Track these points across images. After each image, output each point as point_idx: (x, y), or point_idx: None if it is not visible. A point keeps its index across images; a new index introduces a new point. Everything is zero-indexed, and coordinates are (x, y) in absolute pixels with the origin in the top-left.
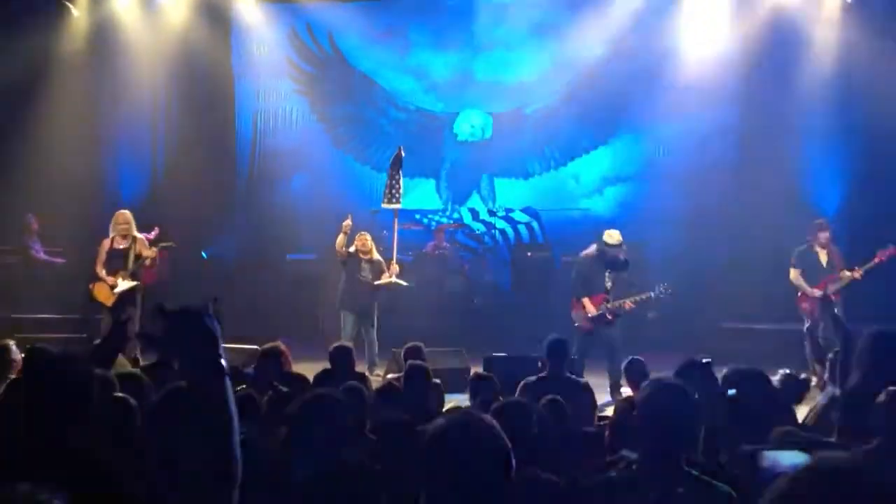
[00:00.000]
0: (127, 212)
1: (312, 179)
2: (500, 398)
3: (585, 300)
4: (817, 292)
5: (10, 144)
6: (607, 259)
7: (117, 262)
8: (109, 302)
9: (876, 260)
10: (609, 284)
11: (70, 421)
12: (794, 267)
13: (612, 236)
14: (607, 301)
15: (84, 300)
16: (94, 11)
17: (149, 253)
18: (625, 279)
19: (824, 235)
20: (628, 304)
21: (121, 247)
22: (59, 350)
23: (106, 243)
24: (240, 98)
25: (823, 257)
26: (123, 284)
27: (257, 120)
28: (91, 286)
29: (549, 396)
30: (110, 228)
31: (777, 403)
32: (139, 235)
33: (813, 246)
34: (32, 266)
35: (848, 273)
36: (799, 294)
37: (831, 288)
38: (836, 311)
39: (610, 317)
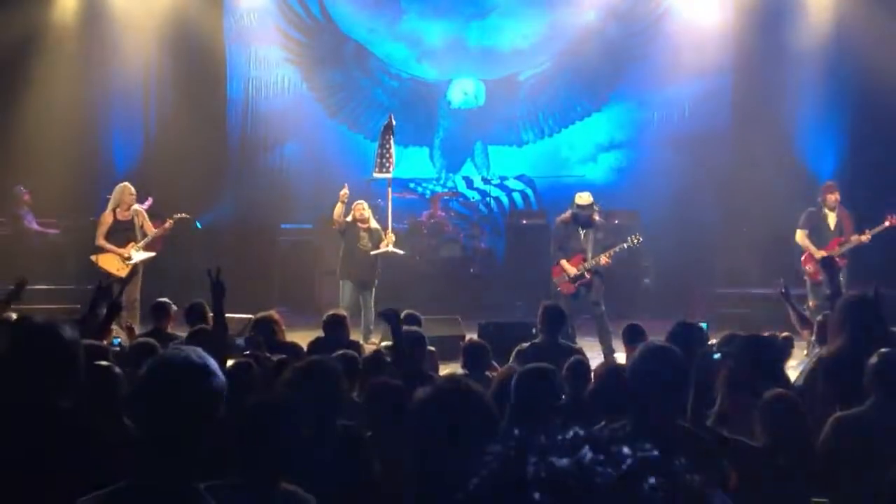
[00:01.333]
0: (127, 184)
1: (305, 148)
2: (493, 364)
3: (564, 262)
4: (823, 254)
5: (2, 116)
6: (581, 220)
7: (126, 233)
8: (122, 272)
9: (886, 223)
10: (585, 244)
11: (56, 388)
12: (801, 228)
13: (583, 198)
14: (584, 260)
15: (83, 271)
16: None
17: (167, 224)
18: (600, 240)
19: (833, 197)
20: (604, 258)
21: (125, 219)
22: (45, 318)
23: (108, 216)
24: (231, 66)
25: (832, 220)
26: (139, 255)
27: (249, 88)
28: (95, 258)
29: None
30: (112, 201)
31: (770, 367)
32: (139, 207)
33: (822, 208)
34: (25, 237)
35: (856, 236)
36: (804, 255)
37: (836, 251)
38: (839, 276)
39: (588, 275)
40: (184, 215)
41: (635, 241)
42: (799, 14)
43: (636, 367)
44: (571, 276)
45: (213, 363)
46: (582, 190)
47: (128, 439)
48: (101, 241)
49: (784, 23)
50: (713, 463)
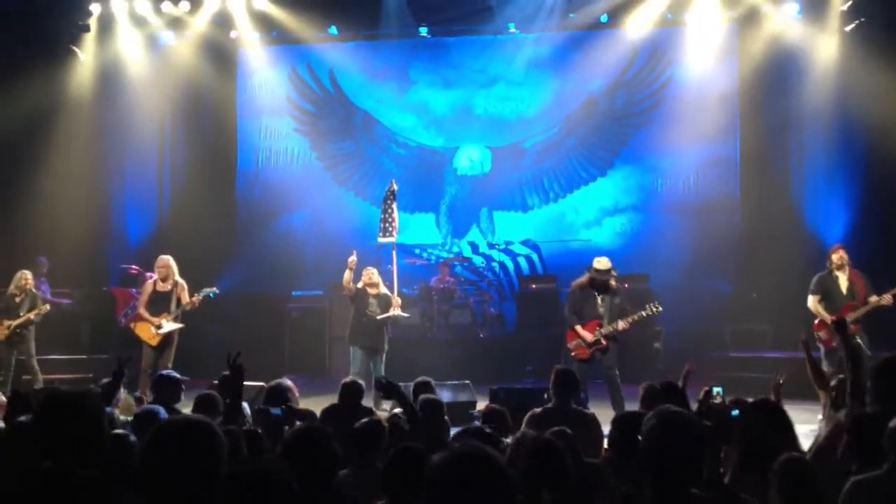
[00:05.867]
0: (165, 256)
1: (314, 216)
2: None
3: (579, 328)
4: (832, 318)
5: (20, 187)
6: (598, 285)
7: (161, 304)
8: (154, 342)
9: None
10: (602, 310)
11: (84, 456)
12: (813, 293)
13: (602, 262)
14: (601, 326)
15: (96, 340)
16: (101, 55)
17: (194, 299)
18: (617, 304)
19: (837, 256)
20: (622, 324)
21: (164, 290)
22: (73, 389)
23: (149, 286)
24: (242, 137)
25: (843, 283)
26: (168, 326)
27: (258, 159)
28: (132, 325)
29: (556, 428)
30: (157, 272)
31: (784, 431)
32: (180, 280)
33: (832, 271)
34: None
35: (874, 298)
36: (816, 321)
37: (850, 316)
38: (857, 339)
39: (605, 342)
40: (212, 289)
41: (655, 309)
42: (804, 77)
43: (653, 435)
44: (588, 342)
45: (213, 424)
46: (595, 254)
47: None
48: (141, 310)
49: (789, 87)
50: None
